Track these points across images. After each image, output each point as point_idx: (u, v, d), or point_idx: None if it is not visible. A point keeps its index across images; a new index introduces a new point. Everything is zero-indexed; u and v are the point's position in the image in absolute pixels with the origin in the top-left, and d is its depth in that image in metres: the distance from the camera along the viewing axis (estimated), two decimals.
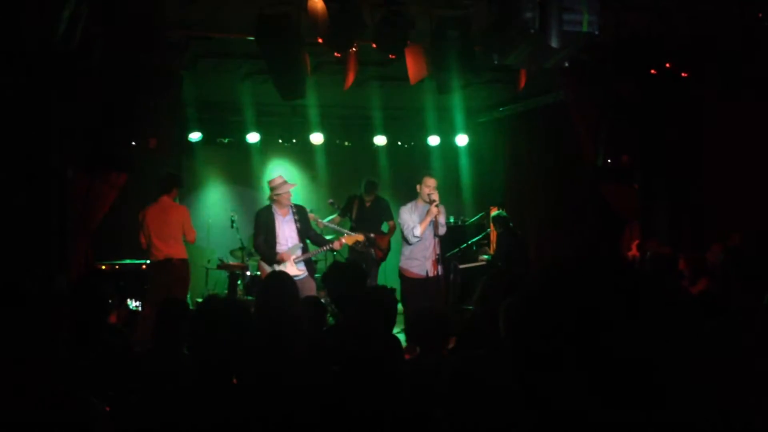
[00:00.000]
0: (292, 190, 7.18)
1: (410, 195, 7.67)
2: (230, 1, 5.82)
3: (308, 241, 7.27)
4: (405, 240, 7.29)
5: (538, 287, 1.33)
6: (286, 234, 7.02)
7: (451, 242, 8.71)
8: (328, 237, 7.96)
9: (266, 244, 6.96)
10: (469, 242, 9.40)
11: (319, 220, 8.23)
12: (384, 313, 3.94)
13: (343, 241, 7.43)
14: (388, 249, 8.87)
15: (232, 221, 9.07)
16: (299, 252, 7.05)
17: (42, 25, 4.60)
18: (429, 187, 7.06)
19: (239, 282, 8.78)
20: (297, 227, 7.04)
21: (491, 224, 9.37)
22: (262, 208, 7.27)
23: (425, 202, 7.11)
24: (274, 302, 4.38)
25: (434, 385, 3.39)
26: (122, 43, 5.88)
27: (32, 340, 2.48)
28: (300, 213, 7.15)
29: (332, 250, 7.41)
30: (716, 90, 7.10)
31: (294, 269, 6.80)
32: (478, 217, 10.17)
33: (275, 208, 7.06)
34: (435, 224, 7.09)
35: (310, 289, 6.85)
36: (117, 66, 6.01)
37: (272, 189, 7.10)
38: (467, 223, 10.14)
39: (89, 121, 6.08)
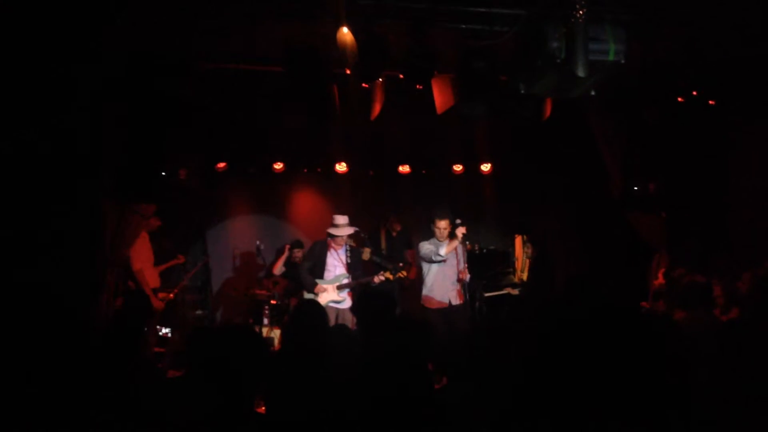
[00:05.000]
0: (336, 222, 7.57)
1: None
2: (259, 34, 5.90)
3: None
4: (428, 265, 7.45)
5: None
6: (335, 263, 7.49)
7: (475, 270, 8.68)
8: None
9: (309, 272, 7.43)
10: (495, 270, 9.36)
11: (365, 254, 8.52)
12: (414, 344, 3.91)
13: (382, 277, 7.55)
14: (415, 277, 8.88)
15: (258, 249, 9.11)
16: (344, 281, 7.44)
17: (83, 56, 4.72)
18: (440, 229, 7.38)
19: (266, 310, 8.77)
20: (346, 262, 7.48)
21: (519, 249, 9.33)
22: (320, 239, 7.68)
23: (441, 240, 7.38)
24: (301, 330, 4.39)
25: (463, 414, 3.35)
26: (153, 75, 5.99)
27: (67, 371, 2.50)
28: (353, 252, 7.63)
29: (370, 284, 7.58)
30: (743, 116, 7.06)
31: (335, 294, 7.36)
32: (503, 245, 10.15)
33: (330, 242, 7.51)
34: (457, 253, 7.23)
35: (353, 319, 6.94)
36: (148, 98, 6.12)
37: (331, 226, 7.52)
38: (491, 250, 10.10)
39: (120, 152, 6.18)
